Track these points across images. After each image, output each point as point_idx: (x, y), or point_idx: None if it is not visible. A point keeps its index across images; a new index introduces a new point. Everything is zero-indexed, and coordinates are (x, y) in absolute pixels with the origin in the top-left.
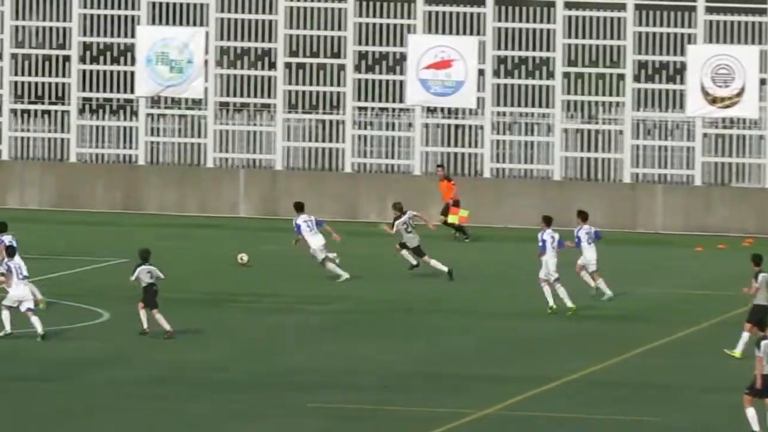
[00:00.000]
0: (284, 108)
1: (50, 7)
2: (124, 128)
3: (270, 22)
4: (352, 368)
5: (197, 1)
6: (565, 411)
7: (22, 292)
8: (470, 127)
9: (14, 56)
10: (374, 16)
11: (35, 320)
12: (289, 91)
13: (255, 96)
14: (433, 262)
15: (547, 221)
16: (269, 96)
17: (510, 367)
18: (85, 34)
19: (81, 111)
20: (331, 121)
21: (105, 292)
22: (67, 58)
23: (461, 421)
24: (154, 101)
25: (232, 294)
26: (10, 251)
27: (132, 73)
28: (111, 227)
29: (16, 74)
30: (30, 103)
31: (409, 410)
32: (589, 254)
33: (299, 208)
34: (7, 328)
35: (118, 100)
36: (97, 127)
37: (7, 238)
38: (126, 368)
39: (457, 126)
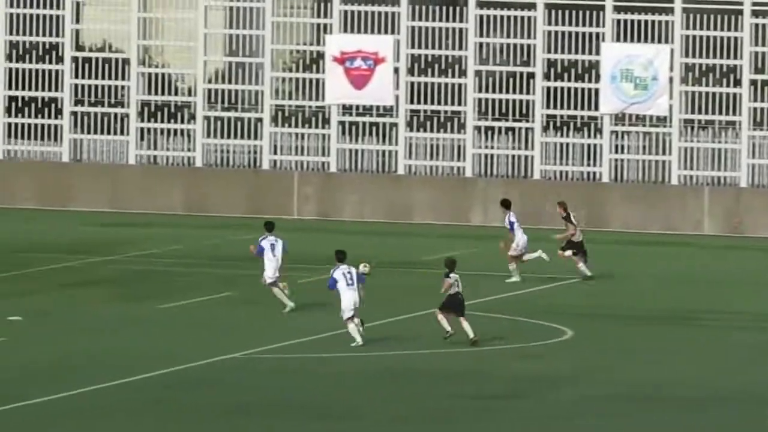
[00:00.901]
0: (749, 125)
1: (514, 24)
2: (588, 145)
3: (735, 39)
4: None
5: (662, 19)
6: None
7: (350, 299)
8: None
9: (477, 73)
10: None
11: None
12: (753, 109)
13: (720, 113)
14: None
15: None
16: (735, 113)
17: None
18: (549, 51)
19: (545, 128)
20: None
21: (566, 309)
22: (531, 75)
23: None
24: (619, 118)
25: (691, 311)
26: (340, 256)
27: (596, 90)
28: None
29: (479, 91)
30: (494, 120)
31: None
32: None
33: (506, 205)
34: (359, 339)
35: (582, 117)
36: (561, 144)
37: (271, 239)
38: (590, 385)
39: None
